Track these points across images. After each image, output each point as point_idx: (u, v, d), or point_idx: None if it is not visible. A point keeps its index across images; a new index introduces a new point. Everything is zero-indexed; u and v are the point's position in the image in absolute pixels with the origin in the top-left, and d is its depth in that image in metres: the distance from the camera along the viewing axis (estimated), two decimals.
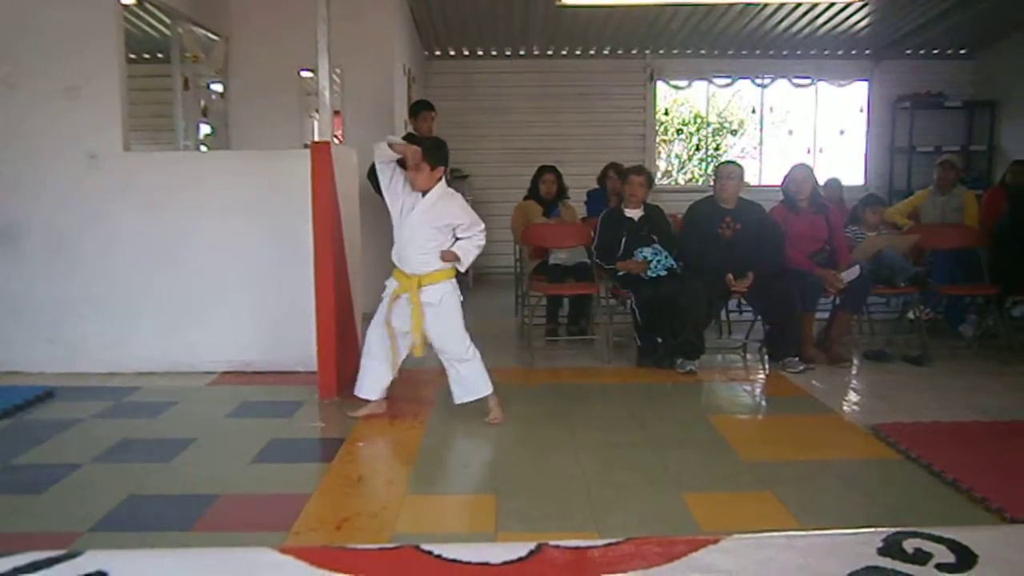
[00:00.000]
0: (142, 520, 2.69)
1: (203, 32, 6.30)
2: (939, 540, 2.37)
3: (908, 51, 9.40)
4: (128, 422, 3.81)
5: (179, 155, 5.74)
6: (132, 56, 5.55)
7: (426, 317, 3.70)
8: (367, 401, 3.86)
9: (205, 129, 6.57)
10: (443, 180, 3.76)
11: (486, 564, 2.25)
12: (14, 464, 3.23)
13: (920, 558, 2.27)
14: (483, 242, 3.79)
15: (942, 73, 9.56)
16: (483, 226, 3.78)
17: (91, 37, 4.63)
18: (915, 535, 2.41)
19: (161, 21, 6.06)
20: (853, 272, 5.00)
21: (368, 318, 4.85)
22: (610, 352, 5.10)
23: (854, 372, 4.89)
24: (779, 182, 5.34)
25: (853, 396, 4.41)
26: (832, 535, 2.47)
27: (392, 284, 3.78)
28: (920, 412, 3.91)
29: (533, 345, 5.45)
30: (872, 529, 2.47)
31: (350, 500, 2.86)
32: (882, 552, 2.30)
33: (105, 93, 4.64)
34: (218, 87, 6.70)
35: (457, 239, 3.74)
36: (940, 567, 2.23)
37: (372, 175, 5.75)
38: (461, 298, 3.82)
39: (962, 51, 9.55)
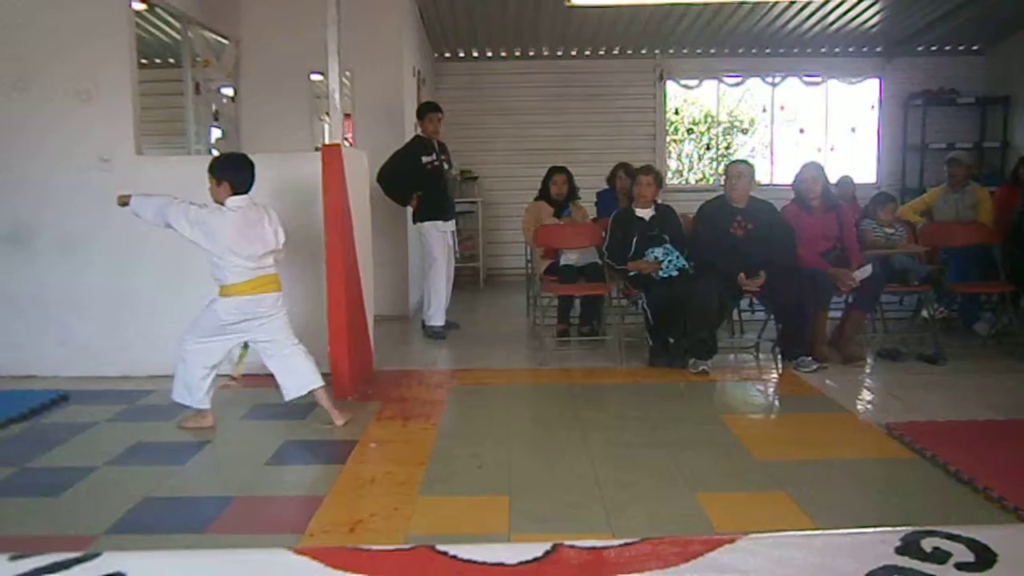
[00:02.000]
0: (157, 522, 2.70)
1: (213, 36, 6.33)
2: (958, 539, 2.35)
3: (920, 48, 9.35)
4: (142, 425, 3.83)
5: (191, 158, 5.76)
6: (143, 60, 5.59)
7: None
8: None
9: (216, 132, 6.60)
10: (238, 197, 3.66)
11: (501, 564, 2.25)
12: (30, 467, 3.25)
13: (939, 557, 2.26)
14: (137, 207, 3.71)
15: (954, 69, 9.50)
16: (171, 217, 3.61)
17: (103, 41, 4.66)
18: (933, 534, 2.39)
19: (172, 25, 6.09)
20: (866, 271, 4.98)
21: (381, 319, 4.89)
22: (622, 352, 5.08)
23: (868, 371, 4.87)
24: (790, 181, 5.32)
25: (867, 395, 4.39)
26: (850, 534, 2.45)
27: None
28: (935, 411, 3.89)
29: (545, 346, 5.45)
30: (890, 528, 2.45)
31: (364, 502, 2.86)
32: (900, 551, 2.29)
33: (117, 97, 4.67)
34: (229, 91, 6.72)
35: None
36: (959, 566, 2.21)
37: (382, 178, 5.82)
38: (217, 317, 3.71)
39: (974, 47, 9.49)
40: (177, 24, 5.95)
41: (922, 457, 3.20)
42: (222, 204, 3.66)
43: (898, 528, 2.44)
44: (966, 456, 3.10)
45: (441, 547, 2.35)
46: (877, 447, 3.44)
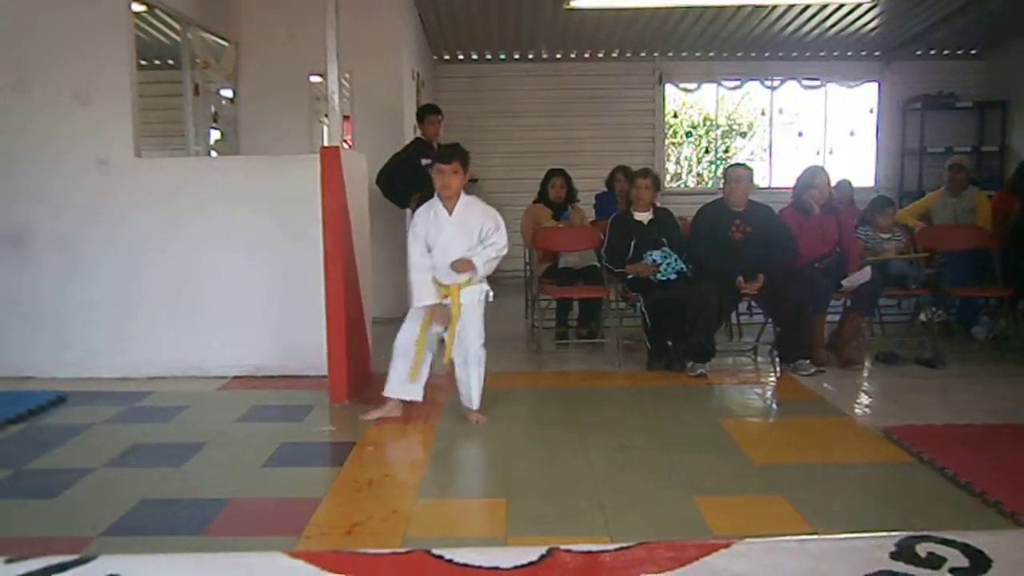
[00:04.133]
0: (154, 524, 2.70)
1: (213, 38, 6.33)
2: (952, 544, 2.35)
3: (918, 52, 9.36)
4: (140, 427, 3.82)
5: (190, 160, 5.77)
6: (143, 62, 5.59)
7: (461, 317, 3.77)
8: (386, 401, 3.88)
9: (215, 134, 6.61)
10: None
11: (497, 568, 2.25)
12: (27, 469, 3.25)
13: (933, 562, 2.26)
14: (504, 248, 3.79)
15: (953, 74, 9.52)
16: (504, 231, 3.80)
17: (102, 43, 4.66)
18: (928, 539, 2.39)
19: (171, 27, 6.10)
20: (864, 274, 4.98)
21: (379, 322, 4.89)
22: (620, 355, 5.08)
23: (865, 375, 4.87)
24: (787, 184, 5.31)
25: (864, 399, 4.39)
26: (844, 539, 2.45)
27: None
28: (932, 415, 3.89)
29: (543, 348, 5.45)
30: (885, 533, 2.45)
31: (361, 504, 2.85)
32: (895, 556, 2.29)
33: (116, 99, 4.67)
34: (228, 92, 6.73)
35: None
36: (953, 571, 2.21)
37: (381, 180, 5.82)
38: (491, 299, 3.88)
39: (972, 51, 9.51)
40: (176, 26, 5.95)
41: (920, 461, 3.20)
42: (455, 206, 3.75)
43: (892, 533, 2.44)
44: (964, 460, 3.10)
45: (437, 551, 2.35)
46: (875, 451, 3.43)
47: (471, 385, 3.83)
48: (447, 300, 3.74)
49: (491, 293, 3.86)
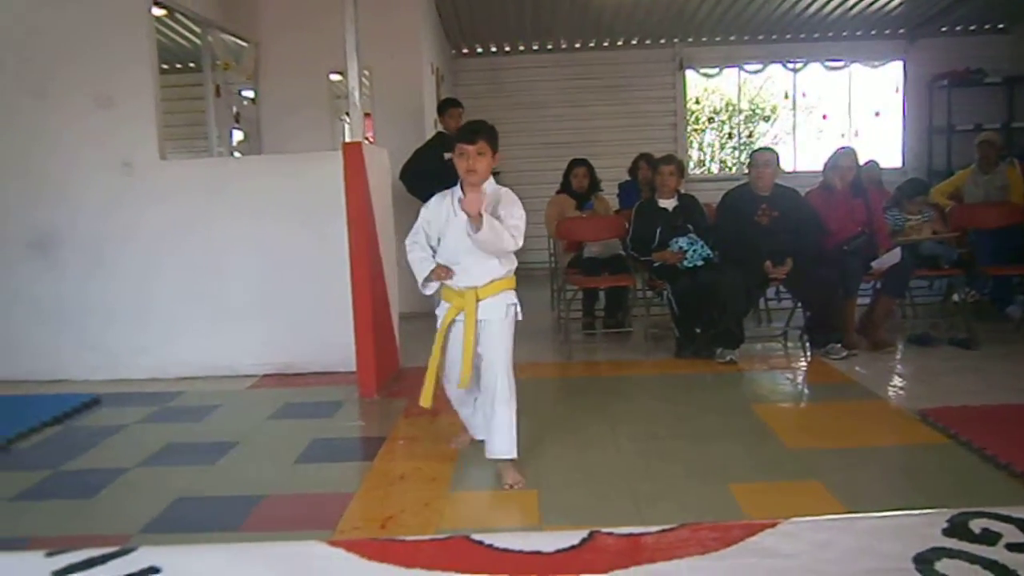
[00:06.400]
0: (190, 521, 2.71)
1: (233, 39, 6.37)
2: (1008, 520, 2.29)
3: (944, 28, 9.19)
4: (172, 426, 3.85)
5: (213, 161, 5.80)
6: (164, 66, 5.63)
7: (479, 338, 3.00)
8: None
9: (238, 135, 6.64)
10: None
11: (538, 553, 2.22)
12: (65, 469, 3.28)
13: (988, 538, 2.20)
14: (519, 228, 2.97)
15: (980, 49, 9.32)
16: (520, 206, 3.01)
17: (123, 47, 4.68)
18: (981, 515, 2.33)
19: (192, 30, 6.14)
20: (894, 256, 4.91)
21: (406, 317, 4.90)
22: (648, 344, 5.05)
23: (898, 357, 4.79)
24: (812, 168, 5.24)
25: (898, 381, 4.31)
26: (894, 516, 2.40)
27: (443, 310, 3.10)
28: (967, 396, 3.80)
29: (570, 339, 5.42)
30: (936, 510, 2.40)
31: (393, 498, 2.85)
32: (948, 533, 2.23)
33: (140, 102, 4.70)
34: (249, 93, 6.77)
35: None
36: (1010, 547, 2.15)
37: (405, 175, 5.82)
38: (519, 316, 3.09)
39: (1000, 26, 9.32)
40: (197, 28, 5.99)
41: (956, 442, 3.13)
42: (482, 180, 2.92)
43: (944, 510, 2.38)
44: (1001, 440, 3.03)
45: (476, 536, 2.33)
46: (910, 433, 3.37)
47: (495, 429, 2.94)
48: (461, 315, 2.99)
49: (519, 309, 3.07)
